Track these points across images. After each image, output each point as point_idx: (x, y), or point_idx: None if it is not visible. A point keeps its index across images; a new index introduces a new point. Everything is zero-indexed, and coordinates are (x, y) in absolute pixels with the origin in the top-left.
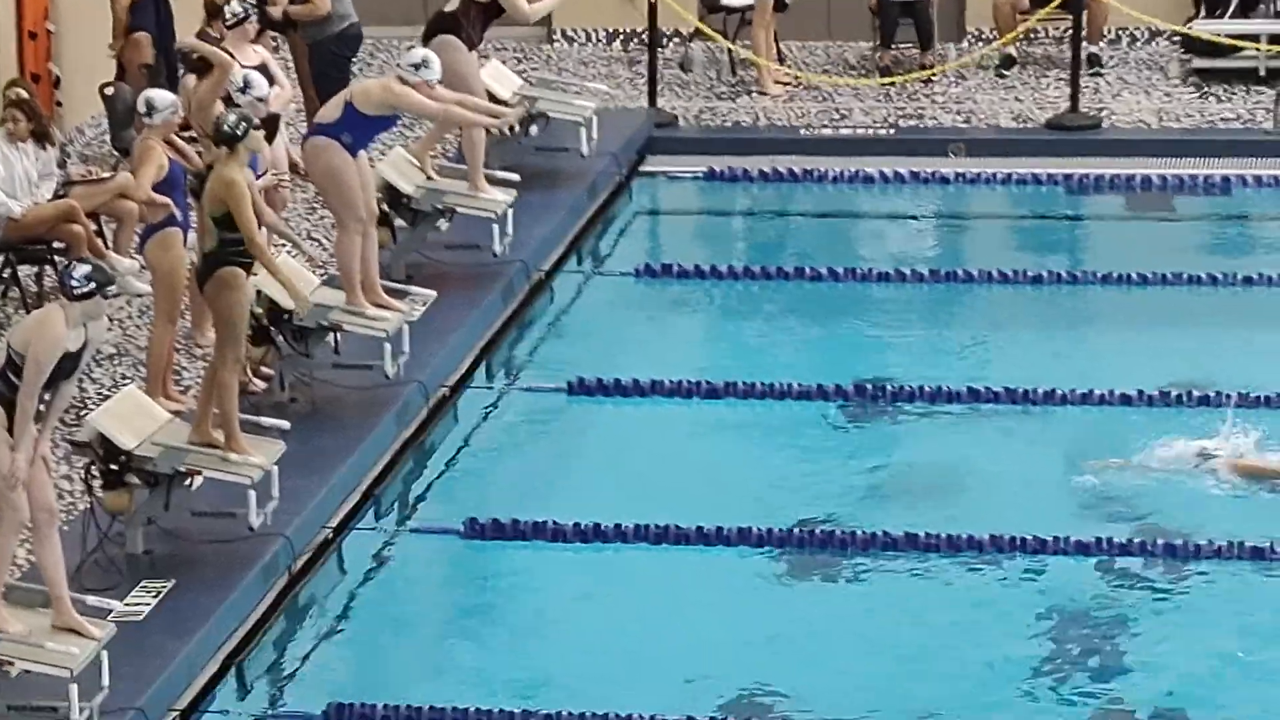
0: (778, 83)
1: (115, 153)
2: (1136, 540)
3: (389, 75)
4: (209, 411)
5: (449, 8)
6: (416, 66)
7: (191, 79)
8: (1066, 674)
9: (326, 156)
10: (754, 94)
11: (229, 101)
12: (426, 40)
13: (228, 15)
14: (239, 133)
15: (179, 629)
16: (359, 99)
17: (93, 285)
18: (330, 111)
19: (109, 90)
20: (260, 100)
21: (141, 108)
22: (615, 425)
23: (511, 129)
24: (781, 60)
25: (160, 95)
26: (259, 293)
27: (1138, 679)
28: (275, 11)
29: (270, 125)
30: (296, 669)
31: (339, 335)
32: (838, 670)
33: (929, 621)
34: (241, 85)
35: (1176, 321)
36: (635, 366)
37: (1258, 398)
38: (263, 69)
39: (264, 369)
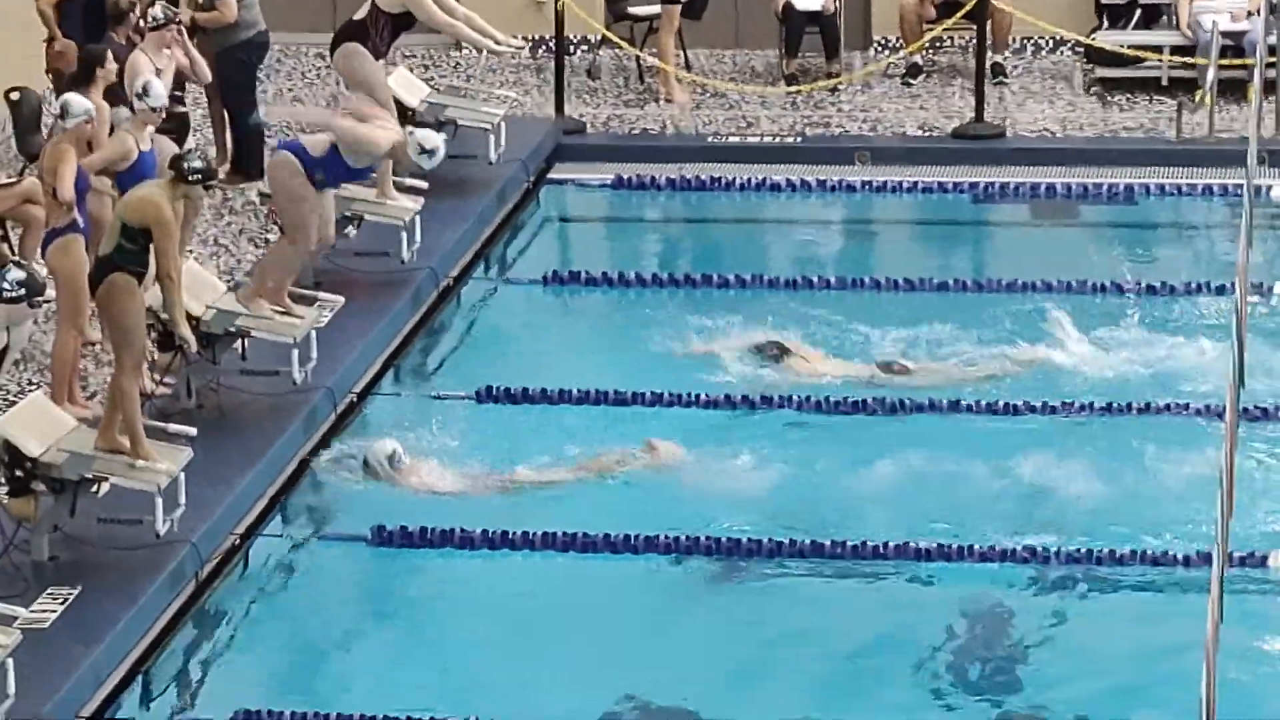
0: (684, 90)
1: (21, 157)
2: (1042, 547)
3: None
4: (115, 418)
5: (358, 15)
6: (423, 151)
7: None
8: (972, 680)
9: (293, 184)
10: (661, 102)
11: (114, 99)
12: (334, 47)
13: (149, 19)
14: (189, 178)
15: (85, 636)
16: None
17: (23, 291)
18: (317, 144)
19: (14, 95)
20: (154, 110)
21: (56, 110)
22: (523, 433)
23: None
24: (688, 68)
25: (76, 100)
26: None
27: (1033, 688)
28: (183, 18)
29: (182, 126)
30: (203, 676)
31: (246, 341)
32: (748, 677)
33: (840, 627)
34: (141, 91)
35: (1080, 328)
36: (543, 374)
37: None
38: (179, 74)
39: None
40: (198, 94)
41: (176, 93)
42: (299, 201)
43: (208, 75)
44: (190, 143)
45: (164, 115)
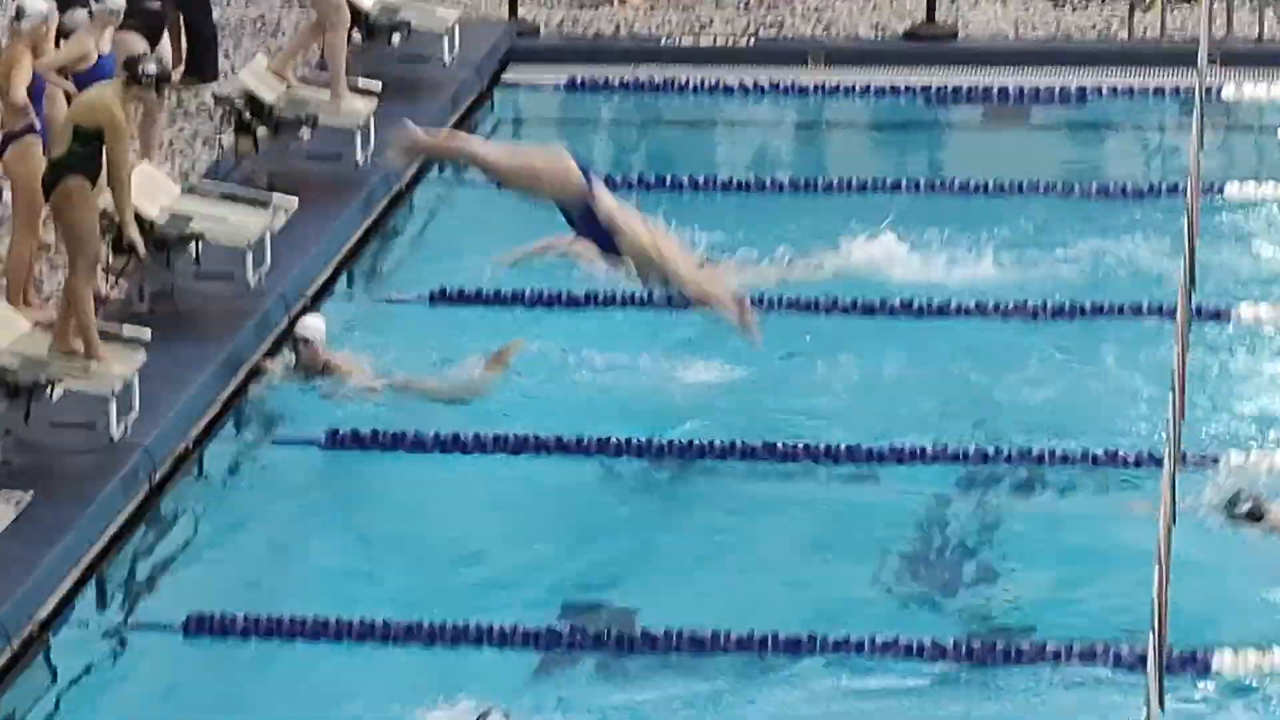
0: None
1: None
2: (994, 449)
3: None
4: (69, 322)
5: None
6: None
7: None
8: (921, 581)
9: None
10: (614, 3)
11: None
12: None
13: None
14: (141, 79)
15: (39, 540)
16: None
17: None
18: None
19: None
20: (112, 12)
21: (11, 12)
22: (478, 334)
23: (371, 35)
24: None
25: (32, 3)
26: None
27: (983, 589)
28: None
29: (154, 25)
30: (157, 580)
31: (200, 245)
32: (699, 580)
33: (788, 528)
34: None
35: (1032, 230)
36: (496, 277)
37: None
38: None
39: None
40: None
41: None
42: None
43: None
44: (164, 41)
45: (121, 16)
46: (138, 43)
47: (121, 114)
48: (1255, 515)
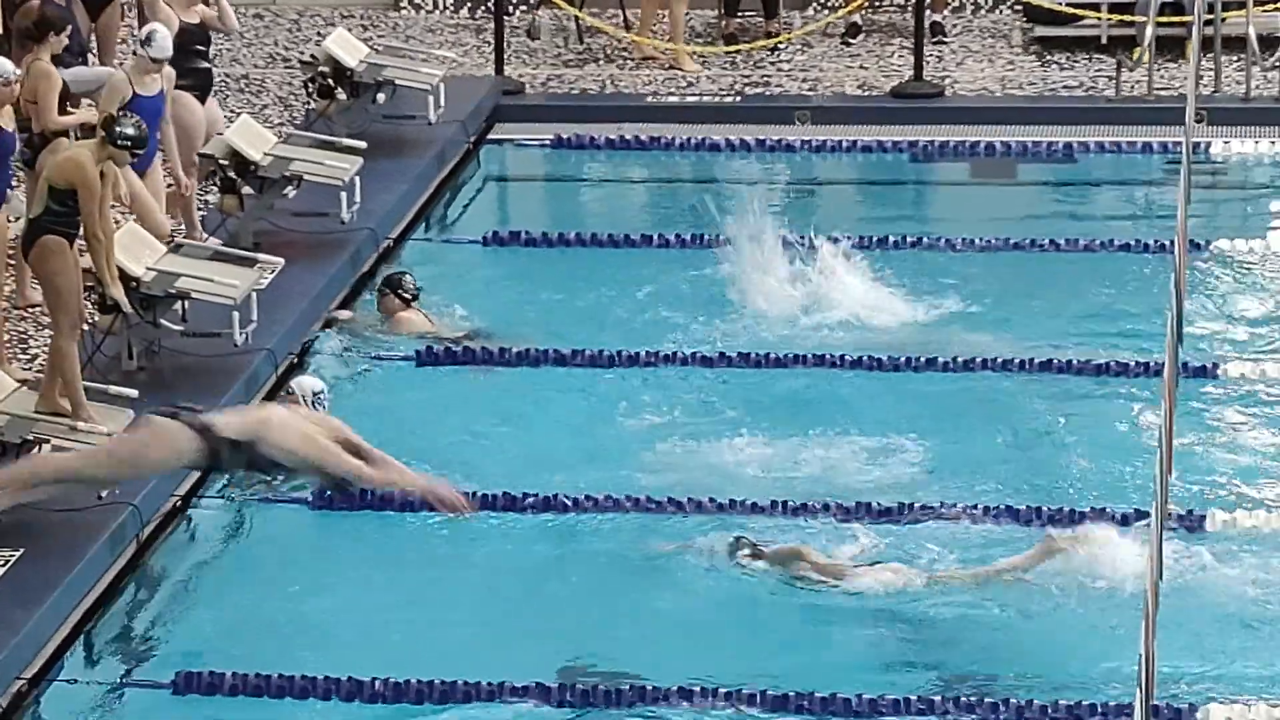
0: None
1: None
2: (981, 507)
3: None
4: (55, 380)
5: None
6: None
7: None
8: (911, 641)
9: None
10: (600, 61)
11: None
12: None
13: None
14: (117, 141)
15: (26, 598)
16: None
17: None
18: None
19: None
20: (155, 60)
21: None
22: (464, 394)
23: (356, 93)
24: (628, 27)
25: (1, 62)
26: None
27: (973, 646)
28: None
29: (204, 83)
30: (145, 638)
31: (186, 303)
32: (691, 637)
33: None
34: (145, 39)
35: (1018, 287)
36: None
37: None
38: (202, 26)
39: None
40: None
41: (199, 48)
42: None
43: (235, 25)
44: (211, 102)
45: (165, 64)
46: (192, 104)
47: (94, 172)
48: (757, 554)
